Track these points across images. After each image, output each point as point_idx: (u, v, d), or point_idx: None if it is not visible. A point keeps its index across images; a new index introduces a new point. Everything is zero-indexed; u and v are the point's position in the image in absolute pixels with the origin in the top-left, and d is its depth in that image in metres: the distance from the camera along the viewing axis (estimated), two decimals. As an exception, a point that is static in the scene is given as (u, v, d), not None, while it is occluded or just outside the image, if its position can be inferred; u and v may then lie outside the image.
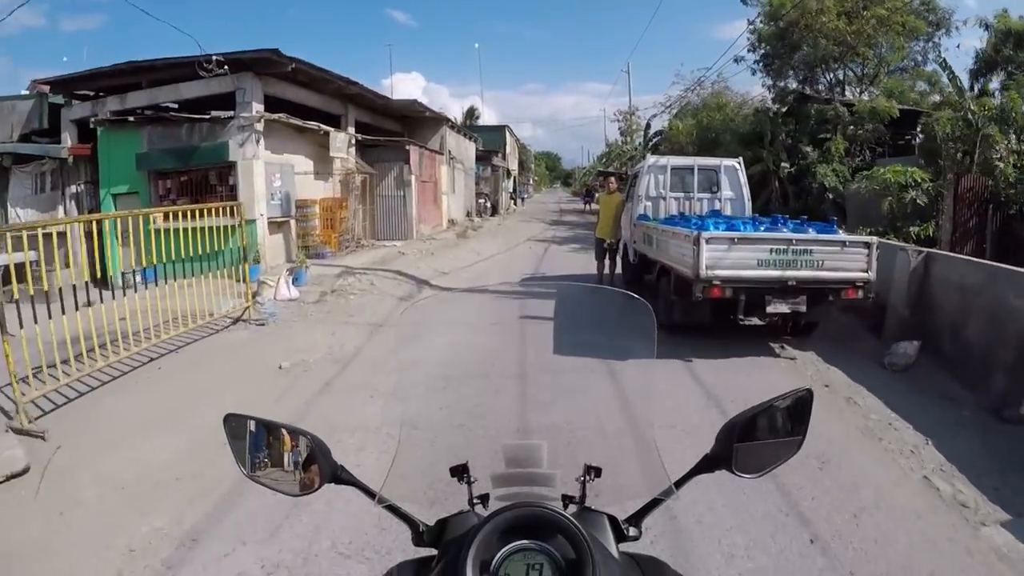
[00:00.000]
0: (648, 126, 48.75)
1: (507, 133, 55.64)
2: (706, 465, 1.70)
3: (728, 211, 14.13)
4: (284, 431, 1.69)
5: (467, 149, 37.88)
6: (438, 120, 30.66)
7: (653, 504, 1.67)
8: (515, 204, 53.85)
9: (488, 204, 41.19)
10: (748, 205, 14.35)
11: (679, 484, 1.68)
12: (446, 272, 17.20)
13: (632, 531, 1.63)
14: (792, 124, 25.95)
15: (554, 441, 1.88)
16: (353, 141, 21.95)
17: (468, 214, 37.00)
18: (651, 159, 14.93)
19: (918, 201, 16.34)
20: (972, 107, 16.86)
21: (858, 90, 28.59)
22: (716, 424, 1.72)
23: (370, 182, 23.20)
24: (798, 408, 1.74)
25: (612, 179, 16.78)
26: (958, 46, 33.74)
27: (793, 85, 30.11)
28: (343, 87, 20.52)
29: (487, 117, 62.60)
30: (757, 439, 1.70)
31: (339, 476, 1.70)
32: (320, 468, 1.67)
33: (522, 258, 21.18)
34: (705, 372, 8.47)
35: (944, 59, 20.71)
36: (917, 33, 27.17)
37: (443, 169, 30.18)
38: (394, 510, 1.67)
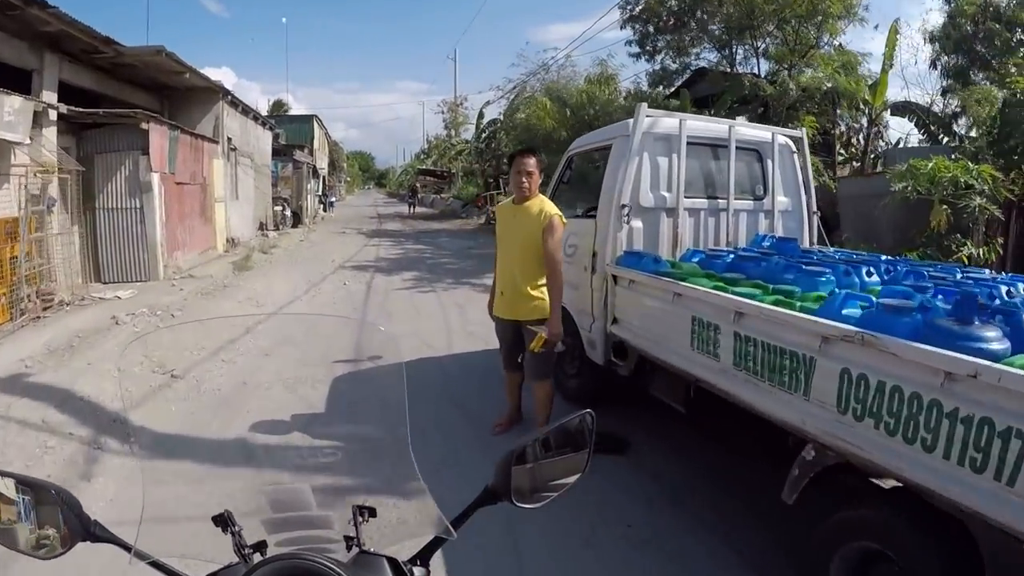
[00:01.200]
0: (482, 115, 42.75)
1: (315, 125, 46.03)
2: (486, 498, 1.65)
3: (779, 231, 7.33)
4: (27, 485, 1.52)
5: (260, 139, 27.87)
6: (210, 93, 20.17)
7: (435, 543, 1.62)
8: (324, 210, 44.40)
9: (288, 212, 31.31)
10: (812, 224, 7.64)
11: (458, 522, 1.62)
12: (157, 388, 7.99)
13: (417, 571, 1.58)
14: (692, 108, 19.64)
15: (315, 483, 1.84)
16: (50, 115, 12.16)
17: (262, 226, 26.89)
18: (645, 118, 6.35)
19: (986, 209, 11.38)
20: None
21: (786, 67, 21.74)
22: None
23: (81, 185, 13.13)
24: (580, 431, 1.75)
25: (531, 159, 6.03)
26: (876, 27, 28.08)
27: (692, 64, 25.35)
28: (33, 18, 11.18)
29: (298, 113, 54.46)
30: (536, 465, 1.68)
31: (93, 532, 1.53)
32: (70, 525, 1.50)
33: (332, 319, 12.31)
34: None
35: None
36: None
37: (217, 165, 20.01)
38: (158, 566, 1.52)
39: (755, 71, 22.40)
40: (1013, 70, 16.84)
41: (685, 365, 4.97)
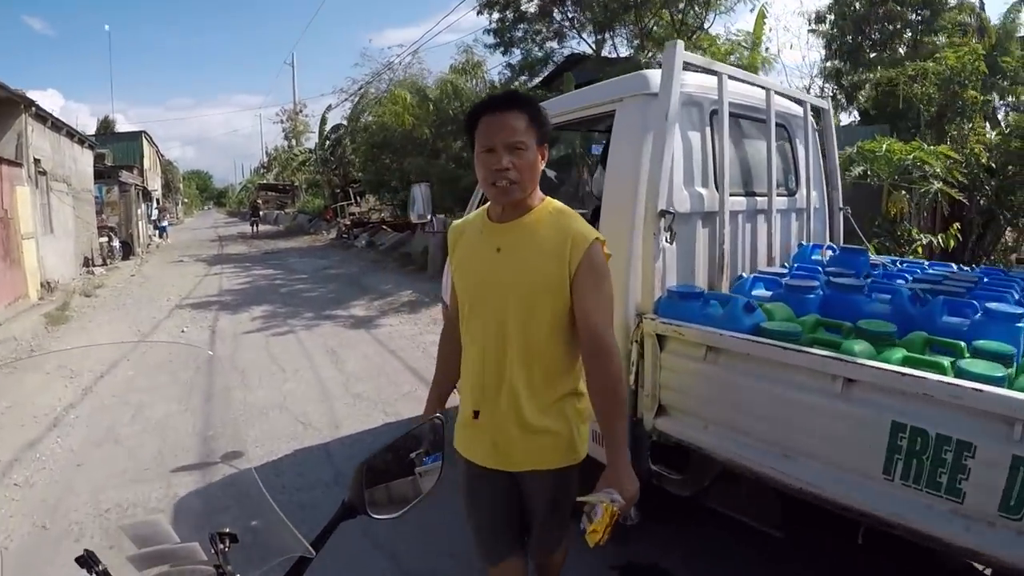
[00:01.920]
0: (324, 121, 40.41)
1: (145, 141, 42.40)
2: (343, 513, 1.64)
3: (810, 237, 5.33)
4: None
5: (79, 160, 23.72)
6: (10, 105, 16.39)
7: (301, 563, 1.59)
8: (159, 237, 40.16)
9: (117, 243, 27.41)
10: (837, 225, 5.75)
11: (319, 541, 1.59)
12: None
13: None
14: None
15: (168, 512, 1.93)
16: None
17: (87, 262, 22.96)
18: (680, 67, 3.65)
19: (946, 194, 10.94)
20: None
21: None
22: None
23: None
24: (431, 437, 1.85)
25: (517, 117, 2.47)
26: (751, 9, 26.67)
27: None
28: None
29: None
30: (391, 475, 1.73)
31: None
32: None
33: (167, 412, 9.22)
34: None
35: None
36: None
37: (22, 193, 15.89)
38: None
39: (637, 56, 20.20)
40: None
41: (861, 501, 2.75)
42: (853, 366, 2.75)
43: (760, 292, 3.96)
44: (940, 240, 10.66)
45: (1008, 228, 12.63)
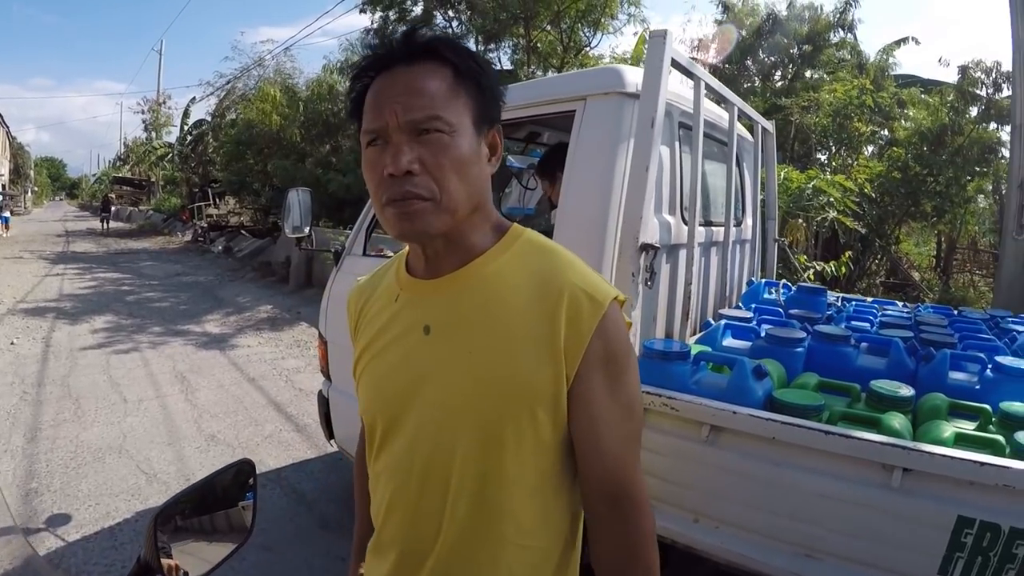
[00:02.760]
0: (187, 114, 38.84)
1: None
2: (139, 573, 1.35)
3: (745, 270, 4.91)
4: None
5: None
6: None
7: None
8: None
9: (-52, 233, 25.48)
10: (771, 257, 5.42)
11: None
12: None
13: None
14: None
15: None
16: None
17: None
18: (666, 65, 2.89)
19: (842, 223, 11.54)
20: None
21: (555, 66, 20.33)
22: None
23: None
24: (238, 484, 1.60)
25: (431, 75, 1.33)
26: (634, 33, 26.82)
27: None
28: None
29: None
30: (194, 528, 1.49)
31: None
32: None
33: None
34: None
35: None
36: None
37: None
38: None
39: (518, 71, 20.02)
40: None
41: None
42: (918, 455, 2.15)
43: (732, 342, 3.27)
44: (832, 268, 10.64)
45: (878, 255, 13.61)
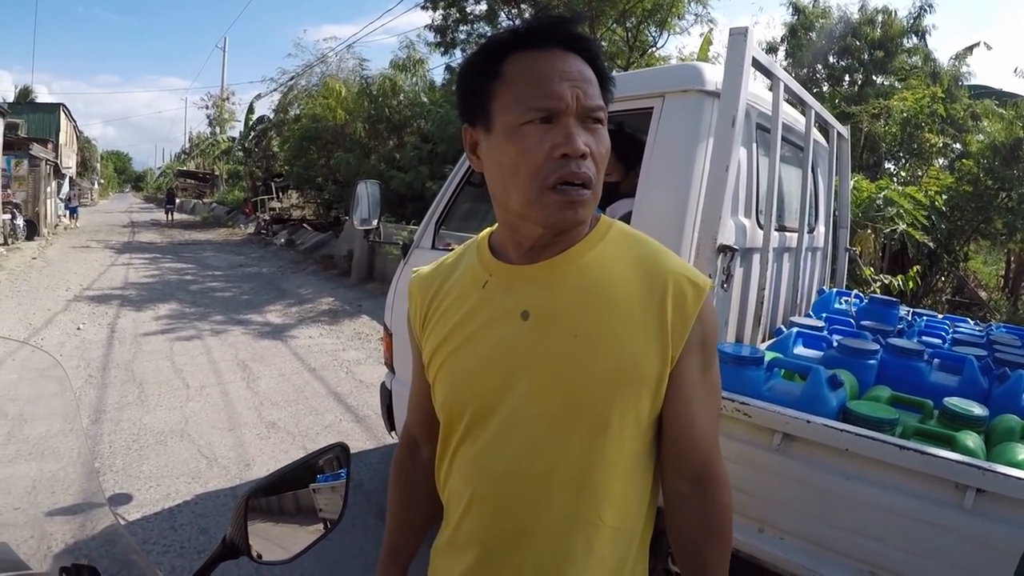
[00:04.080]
0: (252, 110, 38.11)
1: (63, 115, 41.23)
2: (223, 552, 1.36)
3: (815, 278, 4.81)
4: None
5: None
6: None
7: None
8: (68, 219, 38.21)
9: (20, 221, 25.76)
10: (842, 267, 5.27)
11: None
12: None
13: None
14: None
15: (18, 538, 1.74)
16: None
17: None
18: (738, 62, 2.77)
19: (911, 236, 11.02)
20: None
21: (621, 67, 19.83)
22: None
23: None
24: (331, 468, 1.55)
25: (575, 55, 1.35)
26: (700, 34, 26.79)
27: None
28: None
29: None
30: (283, 511, 1.46)
31: None
32: None
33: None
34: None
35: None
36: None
37: None
38: None
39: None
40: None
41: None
42: (993, 476, 2.04)
43: (803, 351, 3.20)
44: (899, 282, 10.26)
45: (945, 272, 13.07)
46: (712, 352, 1.42)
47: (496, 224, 1.52)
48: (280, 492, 1.46)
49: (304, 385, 8.13)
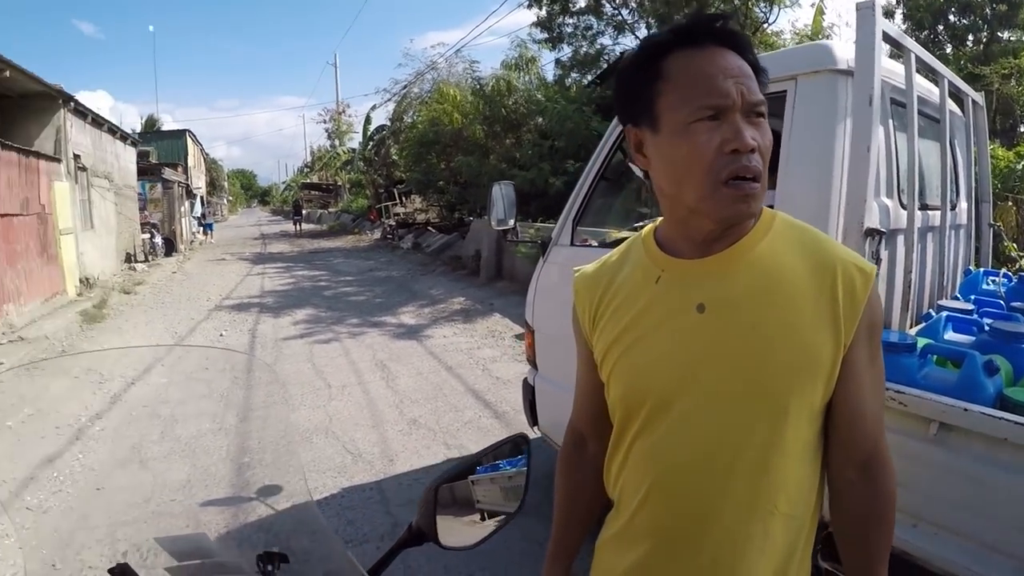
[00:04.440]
0: (369, 121, 39.54)
1: (189, 140, 42.85)
2: (409, 538, 1.52)
3: (960, 257, 4.50)
4: None
5: (121, 157, 23.60)
6: (48, 100, 16.07)
7: None
8: (203, 235, 39.79)
9: (159, 239, 26.96)
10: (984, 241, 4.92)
11: (377, 568, 1.50)
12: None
13: None
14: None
15: (216, 526, 1.82)
16: None
17: (129, 258, 22.84)
18: (869, 39, 2.72)
19: None
20: None
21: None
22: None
23: None
24: (514, 454, 1.64)
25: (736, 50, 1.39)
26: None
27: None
28: None
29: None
30: (467, 498, 1.56)
31: None
32: None
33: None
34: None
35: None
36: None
37: (60, 188, 15.74)
38: None
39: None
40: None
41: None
42: None
43: (954, 336, 3.08)
44: None
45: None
46: (878, 338, 1.43)
47: (659, 220, 1.54)
48: (463, 482, 1.53)
49: (442, 383, 8.25)
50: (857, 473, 1.42)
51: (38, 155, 14.80)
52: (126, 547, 1.75)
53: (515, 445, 1.63)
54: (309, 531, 1.80)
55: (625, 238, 2.16)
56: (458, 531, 1.49)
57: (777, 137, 2.98)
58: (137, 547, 1.67)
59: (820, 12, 16.76)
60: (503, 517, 1.58)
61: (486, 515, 1.56)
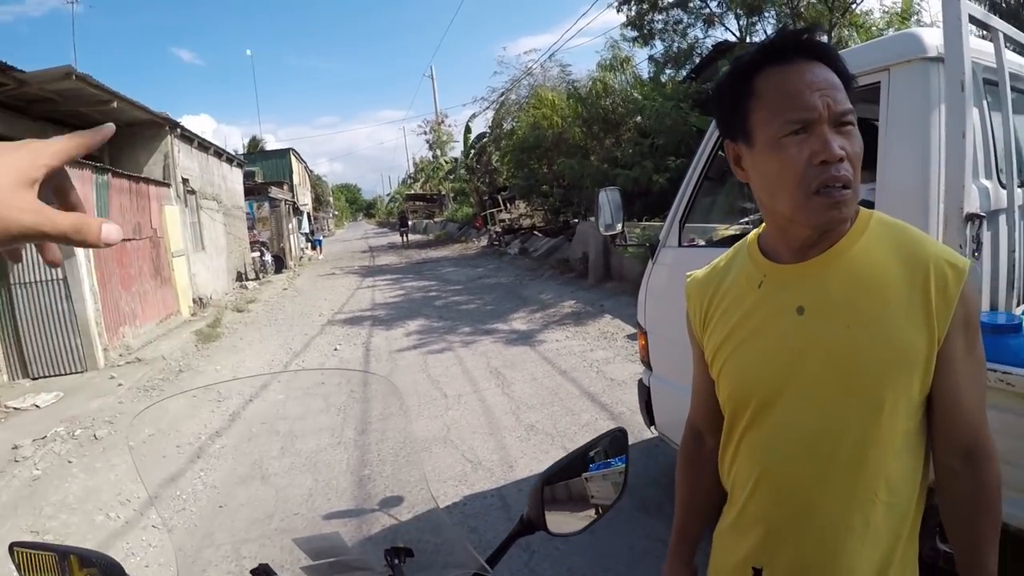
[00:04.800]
0: (468, 130, 39.08)
1: (293, 158, 43.91)
2: (521, 529, 1.60)
3: None
4: (73, 557, 1.48)
5: (227, 178, 24.39)
6: (155, 127, 16.76)
7: None
8: (312, 250, 40.88)
9: (269, 257, 27.73)
10: None
11: (494, 558, 1.58)
12: None
13: None
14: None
15: (345, 528, 1.93)
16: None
17: (240, 276, 23.56)
18: (956, 24, 2.70)
19: None
20: None
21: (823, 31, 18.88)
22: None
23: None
24: (613, 450, 1.71)
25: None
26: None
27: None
28: None
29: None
30: (572, 491, 1.64)
31: None
32: None
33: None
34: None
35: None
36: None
37: (171, 212, 16.46)
38: None
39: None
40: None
41: None
42: None
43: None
44: None
45: None
46: (975, 330, 1.45)
47: (763, 226, 1.62)
48: (569, 476, 1.60)
49: (557, 387, 8.28)
50: (960, 463, 1.46)
51: (148, 180, 15.38)
52: (259, 552, 1.91)
53: (614, 439, 1.71)
54: (432, 527, 1.91)
55: (732, 235, 2.21)
56: (565, 521, 1.59)
57: (874, 128, 3.02)
58: (279, 547, 1.84)
59: (906, -16, 16.28)
60: (605, 507, 1.66)
61: (590, 506, 1.64)
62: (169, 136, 17.18)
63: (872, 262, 1.44)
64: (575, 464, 1.63)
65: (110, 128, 0.74)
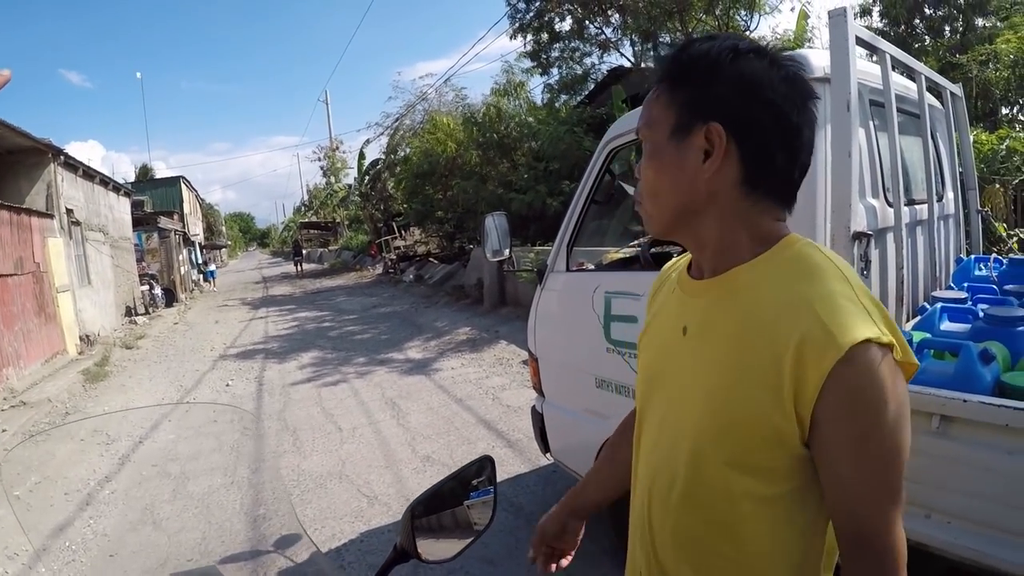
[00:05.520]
0: (363, 156, 39.02)
1: (183, 186, 42.73)
2: (396, 558, 1.60)
3: (951, 245, 4.56)
4: None
5: (115, 208, 23.69)
6: (38, 155, 16.10)
7: None
8: (204, 282, 39.95)
9: (159, 290, 26.89)
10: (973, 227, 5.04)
11: None
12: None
13: None
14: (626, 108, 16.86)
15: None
16: None
17: (129, 311, 22.79)
18: (843, 45, 2.75)
19: None
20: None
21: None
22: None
23: None
24: (480, 478, 1.76)
25: None
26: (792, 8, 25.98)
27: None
28: None
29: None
30: (452, 518, 1.70)
31: None
32: None
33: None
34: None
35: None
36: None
37: (55, 245, 15.74)
38: None
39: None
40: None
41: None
42: None
43: (950, 326, 3.12)
44: None
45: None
46: (873, 424, 1.14)
47: None
48: (437, 502, 1.66)
49: (453, 416, 8.22)
50: (848, 547, 1.21)
51: (30, 212, 14.76)
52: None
53: (480, 466, 1.77)
54: (312, 569, 1.98)
55: (622, 258, 2.17)
56: (438, 547, 1.63)
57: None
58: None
59: (804, 16, 16.92)
60: (479, 531, 1.72)
61: (470, 532, 1.71)
62: (52, 164, 16.58)
63: (755, 301, 1.25)
64: (444, 491, 1.69)
65: None
